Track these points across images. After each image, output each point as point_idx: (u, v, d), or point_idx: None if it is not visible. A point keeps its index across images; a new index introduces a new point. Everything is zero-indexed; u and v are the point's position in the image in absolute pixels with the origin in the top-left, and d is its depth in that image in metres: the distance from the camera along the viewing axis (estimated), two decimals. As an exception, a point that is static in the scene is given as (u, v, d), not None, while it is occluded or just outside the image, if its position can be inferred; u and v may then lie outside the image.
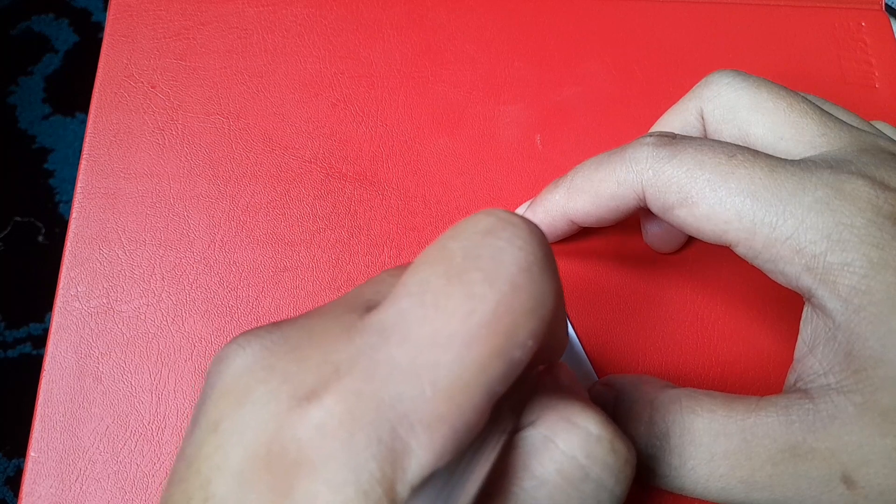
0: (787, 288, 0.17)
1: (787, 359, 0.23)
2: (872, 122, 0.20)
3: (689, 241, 0.24)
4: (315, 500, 0.11)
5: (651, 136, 0.19)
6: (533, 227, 0.13)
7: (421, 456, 0.11)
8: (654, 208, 0.19)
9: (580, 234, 0.24)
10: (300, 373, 0.12)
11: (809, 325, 0.17)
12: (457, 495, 0.12)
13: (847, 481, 0.16)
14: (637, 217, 0.23)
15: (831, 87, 0.27)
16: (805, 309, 0.18)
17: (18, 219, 0.85)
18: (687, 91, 0.21)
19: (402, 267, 0.14)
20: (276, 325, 0.13)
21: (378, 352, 0.12)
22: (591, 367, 0.22)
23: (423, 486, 0.11)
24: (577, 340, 0.23)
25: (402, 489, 0.11)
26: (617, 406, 0.19)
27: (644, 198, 0.19)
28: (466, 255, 0.12)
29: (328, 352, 0.12)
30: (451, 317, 0.12)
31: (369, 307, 0.13)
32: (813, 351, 0.17)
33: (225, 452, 0.12)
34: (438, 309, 0.12)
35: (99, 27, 0.94)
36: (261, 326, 0.13)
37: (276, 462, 0.11)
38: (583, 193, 0.20)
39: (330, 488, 0.11)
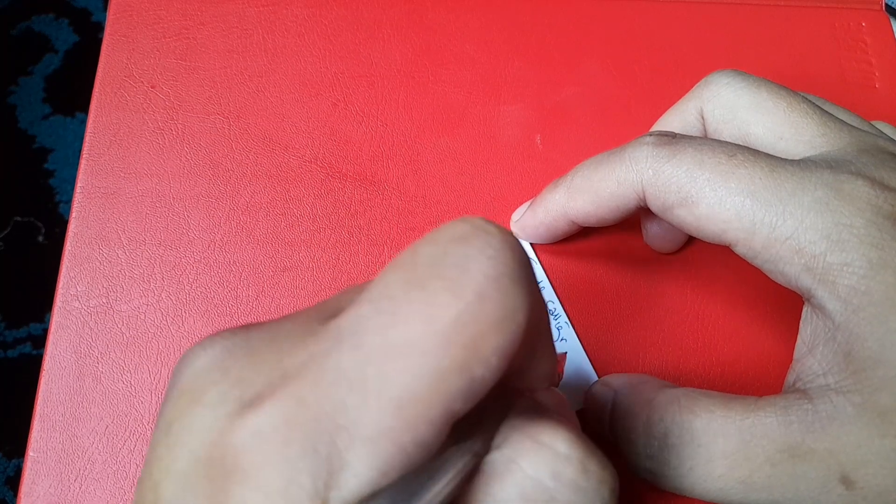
0: (786, 288, 0.17)
1: (787, 359, 0.23)
2: (872, 122, 0.20)
3: (689, 241, 0.24)
4: None
5: (651, 135, 0.19)
6: (508, 238, 0.12)
7: (360, 472, 0.10)
8: (654, 208, 0.19)
9: (580, 234, 0.24)
10: (252, 376, 0.11)
11: (809, 325, 0.17)
12: None
13: (846, 482, 0.16)
14: (637, 217, 0.23)
15: (831, 87, 0.27)
16: (804, 309, 0.18)
17: (18, 219, 0.85)
18: (687, 91, 0.21)
19: None
20: (244, 327, 0.13)
21: (328, 358, 0.11)
22: (591, 367, 0.22)
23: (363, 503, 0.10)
24: (578, 340, 0.23)
25: None
26: (615, 406, 0.19)
27: (644, 197, 0.19)
28: (433, 262, 0.11)
29: (282, 357, 0.12)
30: (406, 325, 0.11)
31: (337, 314, 0.12)
32: (812, 351, 0.17)
33: (174, 454, 0.11)
34: (396, 316, 0.11)
35: (99, 27, 0.94)
36: (230, 328, 0.13)
37: (215, 467, 0.11)
38: (583, 193, 0.20)
39: (260, 497, 0.10)
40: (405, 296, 0.11)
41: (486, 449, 0.13)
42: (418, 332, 0.11)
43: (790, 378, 0.18)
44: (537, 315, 0.12)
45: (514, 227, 0.24)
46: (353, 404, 0.10)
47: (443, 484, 0.12)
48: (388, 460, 0.10)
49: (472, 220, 0.12)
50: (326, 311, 0.13)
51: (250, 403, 0.11)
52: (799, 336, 0.18)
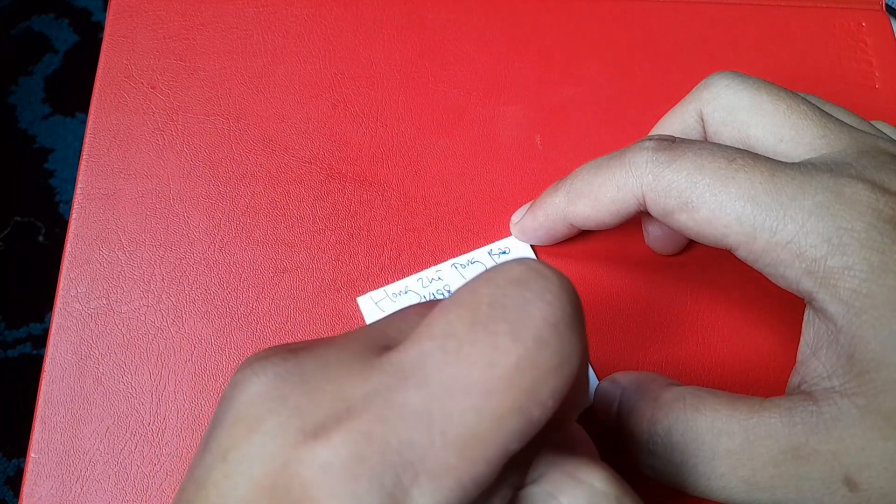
0: (787, 291, 0.17)
1: (788, 361, 0.23)
2: (872, 122, 0.20)
3: (691, 244, 0.24)
4: None
5: (651, 139, 0.19)
6: (564, 281, 0.12)
7: None
8: (655, 212, 0.19)
9: (581, 236, 0.24)
10: (311, 406, 0.12)
11: (811, 328, 0.17)
12: None
13: (849, 483, 0.16)
14: (638, 219, 0.23)
15: (831, 87, 0.27)
16: (806, 312, 0.18)
17: (18, 219, 0.85)
18: (687, 92, 0.21)
19: (429, 305, 0.14)
20: (291, 351, 0.13)
21: (394, 393, 0.11)
22: (591, 369, 0.22)
23: None
24: None
25: None
26: (621, 403, 0.19)
27: (644, 202, 0.19)
28: (493, 304, 0.12)
29: (342, 387, 0.12)
30: (472, 366, 0.11)
31: (390, 345, 0.13)
32: (816, 354, 0.17)
33: (233, 482, 0.12)
34: (460, 356, 0.11)
35: (99, 27, 0.94)
36: (276, 351, 0.13)
37: (280, 497, 0.11)
38: (583, 197, 0.20)
39: None
40: (468, 336, 0.12)
41: (522, 482, 0.13)
42: (482, 373, 0.11)
43: (794, 380, 0.18)
44: (586, 355, 0.13)
45: (514, 229, 0.24)
46: (419, 441, 0.11)
47: None
48: (448, 496, 0.11)
49: (529, 262, 0.13)
50: (377, 340, 0.13)
51: (314, 435, 0.11)
52: (801, 338, 0.18)
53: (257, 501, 0.11)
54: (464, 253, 0.24)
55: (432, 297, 0.23)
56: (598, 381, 0.22)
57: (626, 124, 0.26)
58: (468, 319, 0.12)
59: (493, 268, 0.13)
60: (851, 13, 0.28)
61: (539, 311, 0.12)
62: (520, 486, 0.13)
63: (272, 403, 0.12)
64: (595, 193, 0.20)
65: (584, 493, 0.13)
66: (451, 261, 0.24)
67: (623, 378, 0.20)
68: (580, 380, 0.13)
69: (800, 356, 0.18)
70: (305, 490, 0.11)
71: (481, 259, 0.24)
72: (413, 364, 0.12)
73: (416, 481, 0.11)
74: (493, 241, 0.24)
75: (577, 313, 0.12)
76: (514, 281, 0.12)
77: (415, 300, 0.23)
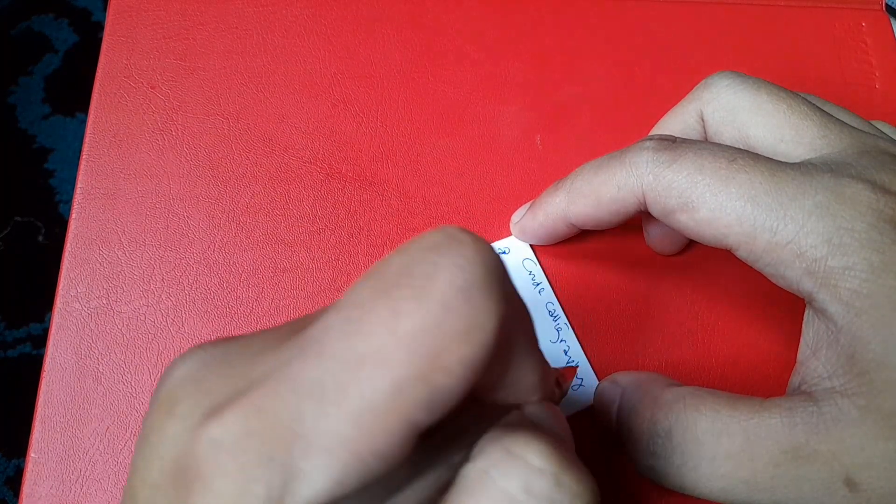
0: (787, 291, 0.17)
1: (787, 360, 0.23)
2: (873, 122, 0.20)
3: (691, 244, 0.24)
4: None
5: (651, 139, 0.19)
6: (480, 246, 0.12)
7: (315, 481, 0.10)
8: (655, 212, 0.19)
9: (581, 235, 0.24)
10: (220, 388, 0.12)
11: (811, 328, 0.17)
12: None
13: (849, 484, 0.16)
14: (638, 219, 0.23)
15: (832, 87, 0.27)
16: (806, 312, 0.18)
17: (18, 219, 0.85)
18: (687, 92, 0.21)
19: None
20: (226, 339, 0.13)
21: (289, 367, 0.11)
22: (591, 369, 0.22)
23: None
24: (578, 342, 0.23)
25: None
26: (621, 403, 0.19)
27: (644, 202, 0.19)
28: (401, 271, 0.11)
29: (251, 368, 0.12)
30: (370, 335, 0.11)
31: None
32: (816, 354, 0.17)
33: (148, 465, 0.11)
34: (361, 325, 0.11)
35: (99, 27, 0.94)
36: (214, 340, 0.13)
37: (180, 476, 0.11)
38: (583, 197, 0.20)
39: None
40: (371, 304, 0.11)
41: (464, 462, 0.12)
42: (381, 341, 0.11)
43: (795, 380, 0.18)
44: (512, 326, 0.12)
45: (514, 229, 0.24)
46: (310, 413, 0.10)
47: (414, 497, 0.11)
48: (344, 470, 0.10)
49: (447, 230, 0.12)
50: (303, 324, 0.13)
51: (211, 414, 0.11)
52: (802, 339, 0.18)
53: (164, 484, 0.11)
54: (464, 253, 0.24)
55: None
56: (598, 382, 0.22)
57: (626, 124, 0.26)
58: (374, 288, 0.11)
59: (412, 238, 0.12)
60: (851, 13, 0.28)
61: (448, 274, 0.11)
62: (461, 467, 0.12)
63: (189, 387, 0.12)
64: (595, 193, 0.20)
65: (518, 469, 0.12)
66: (451, 261, 0.23)
67: (623, 378, 0.20)
68: (512, 352, 0.12)
69: (800, 356, 0.18)
70: (199, 467, 0.11)
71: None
72: (315, 338, 0.11)
73: (308, 454, 0.10)
74: (492, 241, 0.24)
75: (496, 279, 0.11)
76: (426, 247, 0.12)
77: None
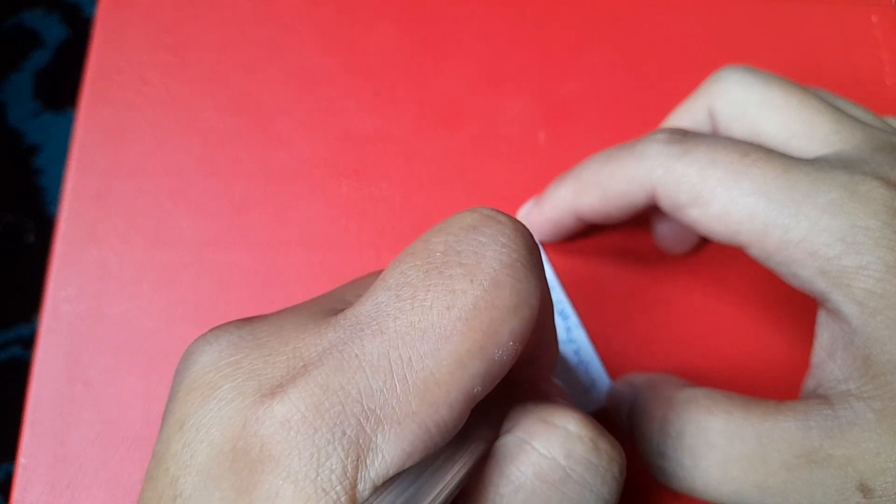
0: (800, 291, 0.17)
1: (800, 362, 0.22)
2: (884, 118, 0.20)
3: (701, 245, 0.24)
4: (276, 497, 0.10)
5: (662, 132, 0.19)
6: (518, 225, 0.12)
7: (387, 454, 0.11)
8: (665, 206, 0.18)
9: (590, 234, 0.23)
10: (267, 368, 0.12)
11: (825, 329, 0.17)
12: (422, 500, 0.11)
13: (863, 489, 0.15)
14: (648, 218, 0.23)
15: (842, 82, 0.27)
16: (819, 313, 0.17)
17: (7, 217, 0.84)
18: (695, 87, 0.21)
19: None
20: (246, 320, 0.13)
21: (349, 345, 0.11)
22: (602, 369, 0.22)
23: (387, 485, 0.11)
24: (589, 342, 0.22)
25: (364, 487, 0.11)
26: (634, 403, 0.19)
27: (654, 195, 0.18)
28: (448, 250, 0.12)
29: (297, 348, 0.12)
30: (428, 311, 0.11)
31: (346, 307, 0.13)
32: (831, 356, 0.17)
33: (192, 450, 0.11)
34: (416, 302, 0.11)
35: (90, 22, 0.93)
36: (231, 322, 0.13)
37: (240, 459, 0.11)
38: (591, 189, 0.20)
39: (290, 484, 0.10)
40: (424, 282, 0.12)
41: (496, 435, 0.13)
42: (439, 317, 0.11)
43: (810, 384, 0.17)
44: (546, 300, 0.13)
45: None
46: (378, 388, 0.11)
47: (459, 467, 0.12)
48: (413, 442, 0.11)
49: (482, 210, 0.13)
50: (334, 304, 0.13)
51: (271, 394, 0.11)
52: (815, 341, 0.17)
53: (218, 466, 0.11)
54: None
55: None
56: (609, 382, 0.22)
57: (632, 120, 0.26)
58: (422, 268, 0.12)
59: (446, 220, 0.13)
60: (862, 8, 0.28)
61: (494, 252, 0.12)
62: (493, 439, 0.13)
63: (226, 369, 0.12)
64: (604, 185, 0.19)
65: (559, 437, 0.13)
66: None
67: (637, 379, 0.20)
68: (543, 326, 0.13)
69: (814, 359, 0.17)
70: (265, 447, 0.11)
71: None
72: (368, 315, 0.12)
73: (379, 428, 0.11)
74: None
75: (533, 256, 0.12)
76: (468, 227, 0.12)
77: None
